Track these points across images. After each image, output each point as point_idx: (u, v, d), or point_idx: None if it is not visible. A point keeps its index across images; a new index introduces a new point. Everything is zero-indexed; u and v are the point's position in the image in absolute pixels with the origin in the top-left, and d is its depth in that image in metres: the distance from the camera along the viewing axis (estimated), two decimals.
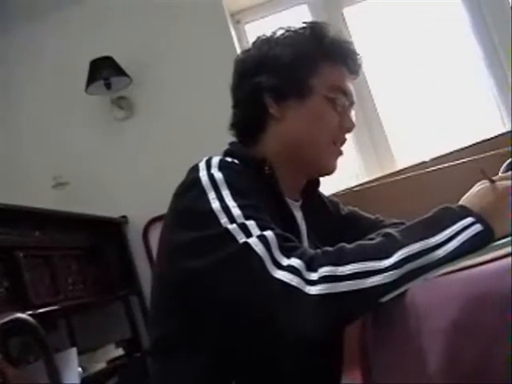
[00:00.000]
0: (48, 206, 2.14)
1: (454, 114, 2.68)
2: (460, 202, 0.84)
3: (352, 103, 1.06)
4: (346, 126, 1.04)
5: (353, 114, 1.07)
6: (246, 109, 1.06)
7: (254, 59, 1.05)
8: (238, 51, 2.60)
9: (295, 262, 0.76)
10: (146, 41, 2.80)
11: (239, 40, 2.84)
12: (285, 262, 0.76)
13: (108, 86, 2.67)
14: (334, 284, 0.72)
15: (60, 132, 2.85)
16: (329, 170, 1.06)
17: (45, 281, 1.96)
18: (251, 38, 1.15)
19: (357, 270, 0.73)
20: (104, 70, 2.63)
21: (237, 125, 1.09)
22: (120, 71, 2.65)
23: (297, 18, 2.79)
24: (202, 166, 0.92)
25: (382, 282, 0.71)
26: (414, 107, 2.74)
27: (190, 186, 0.90)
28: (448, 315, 0.57)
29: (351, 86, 1.06)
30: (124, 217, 2.71)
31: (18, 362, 1.83)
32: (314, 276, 0.73)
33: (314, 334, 0.76)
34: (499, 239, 0.76)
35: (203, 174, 0.89)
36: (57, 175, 2.64)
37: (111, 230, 2.64)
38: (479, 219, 0.76)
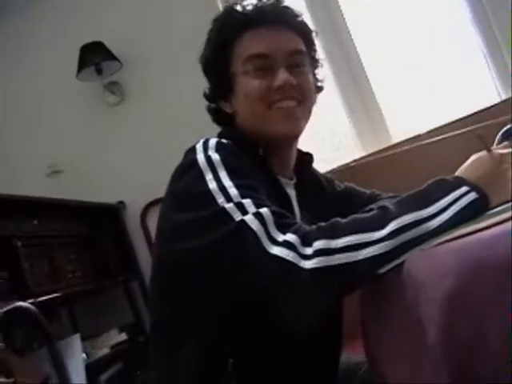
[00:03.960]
0: (44, 195, 2.14)
1: (448, 86, 2.67)
2: (456, 173, 0.84)
3: (275, 61, 1.00)
4: (275, 85, 0.99)
5: (284, 74, 0.99)
6: (213, 115, 1.13)
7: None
8: None
9: (290, 237, 0.76)
10: (136, 25, 2.76)
11: None
12: (280, 237, 0.77)
13: (99, 71, 2.65)
14: (328, 257, 0.72)
15: (53, 120, 2.83)
16: (281, 133, 1.02)
17: (44, 269, 1.97)
18: None
19: (350, 243, 0.73)
20: (95, 55, 2.60)
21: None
22: (110, 56, 2.62)
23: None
24: (199, 147, 0.93)
25: (376, 253, 0.72)
26: (407, 80, 2.72)
27: (188, 168, 0.91)
28: (444, 284, 0.56)
29: (269, 44, 1.01)
30: (121, 202, 2.71)
31: (22, 351, 1.84)
32: (308, 250, 0.74)
33: (311, 308, 0.77)
34: (495, 207, 0.76)
35: (200, 156, 0.90)
36: (51, 163, 2.63)
37: (109, 216, 2.64)
38: (474, 187, 0.76)
